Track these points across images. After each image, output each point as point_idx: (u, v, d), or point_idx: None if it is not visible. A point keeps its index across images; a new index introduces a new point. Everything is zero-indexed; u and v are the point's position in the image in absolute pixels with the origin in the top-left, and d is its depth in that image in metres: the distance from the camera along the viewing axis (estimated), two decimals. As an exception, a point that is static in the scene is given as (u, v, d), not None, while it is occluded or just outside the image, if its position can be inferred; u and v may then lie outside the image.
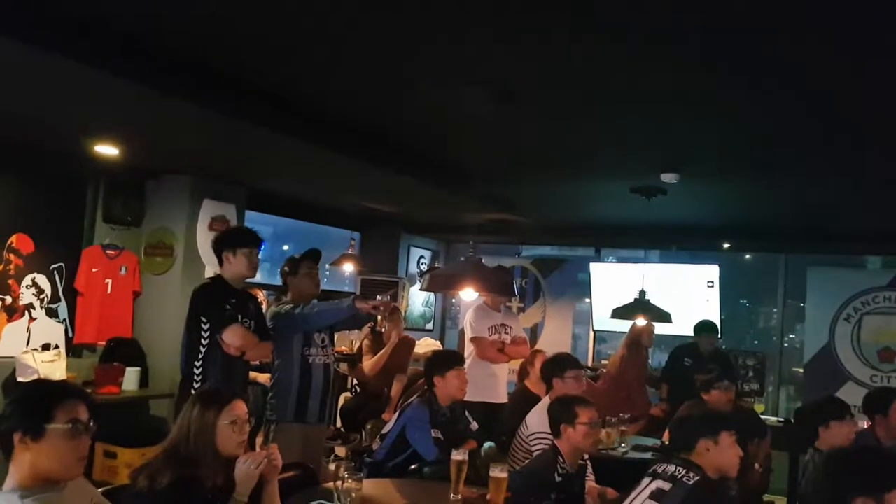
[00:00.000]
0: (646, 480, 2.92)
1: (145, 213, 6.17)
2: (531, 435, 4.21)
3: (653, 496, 2.82)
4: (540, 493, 3.31)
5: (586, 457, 3.66)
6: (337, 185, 6.23)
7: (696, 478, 2.79)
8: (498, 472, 3.14)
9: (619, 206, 6.28)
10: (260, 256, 4.16)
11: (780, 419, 7.11)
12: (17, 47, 3.08)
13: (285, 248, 10.74)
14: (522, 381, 5.52)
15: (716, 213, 6.80)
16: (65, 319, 5.67)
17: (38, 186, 5.49)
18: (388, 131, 4.78)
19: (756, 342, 10.58)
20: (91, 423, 2.09)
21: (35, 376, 4.98)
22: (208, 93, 3.84)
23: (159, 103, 3.89)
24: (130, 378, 5.62)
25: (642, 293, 5.54)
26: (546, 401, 4.15)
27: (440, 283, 4.86)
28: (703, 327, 6.41)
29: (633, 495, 2.92)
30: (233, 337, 3.87)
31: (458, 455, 3.24)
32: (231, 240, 4.11)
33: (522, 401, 4.98)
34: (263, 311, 4.48)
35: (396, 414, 4.14)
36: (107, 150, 5.09)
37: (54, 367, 5.20)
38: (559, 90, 3.63)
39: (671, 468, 2.87)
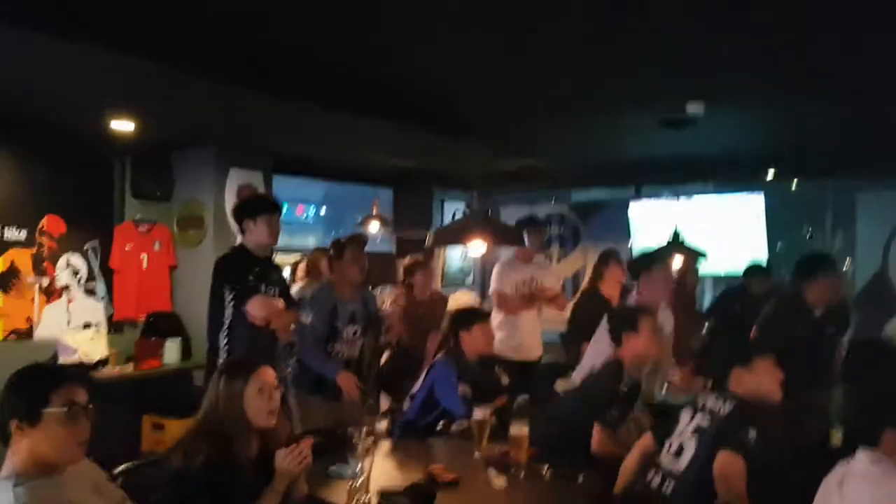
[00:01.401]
0: (688, 414, 2.82)
1: (174, 186, 6.20)
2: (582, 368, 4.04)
3: (695, 431, 2.74)
4: (605, 405, 3.25)
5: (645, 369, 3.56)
6: (359, 144, 6.15)
7: (730, 408, 2.70)
8: (518, 430, 3.06)
9: (650, 141, 6.06)
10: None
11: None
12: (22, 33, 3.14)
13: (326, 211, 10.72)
14: (595, 282, 5.25)
15: (754, 141, 6.50)
16: (104, 297, 5.77)
17: (65, 167, 5.56)
18: (402, 85, 4.66)
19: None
20: (90, 406, 2.04)
21: (76, 356, 5.09)
22: (220, 64, 3.85)
23: (173, 78, 3.91)
24: (172, 350, 5.71)
25: (676, 233, 5.33)
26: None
27: (444, 237, 4.78)
28: (753, 270, 6.15)
29: (677, 431, 2.82)
30: (256, 307, 3.84)
31: (479, 413, 3.18)
32: (249, 207, 4.07)
33: (590, 303, 5.00)
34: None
35: (425, 372, 4.09)
36: (128, 125, 5.09)
37: (94, 346, 5.30)
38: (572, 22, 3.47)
39: (710, 402, 2.78)
